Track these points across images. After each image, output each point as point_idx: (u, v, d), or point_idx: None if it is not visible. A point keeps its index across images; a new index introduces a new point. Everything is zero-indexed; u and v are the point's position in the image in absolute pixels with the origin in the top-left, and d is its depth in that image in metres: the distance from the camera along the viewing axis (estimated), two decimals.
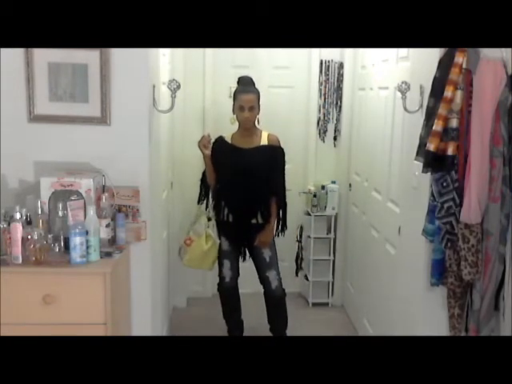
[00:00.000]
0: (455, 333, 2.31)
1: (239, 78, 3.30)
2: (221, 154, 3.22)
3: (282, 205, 3.30)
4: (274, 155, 3.25)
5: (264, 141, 3.25)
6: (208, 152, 3.18)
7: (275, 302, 3.36)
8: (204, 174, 3.34)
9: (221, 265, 3.38)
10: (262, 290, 3.37)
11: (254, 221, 3.25)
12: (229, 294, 3.45)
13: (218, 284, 3.46)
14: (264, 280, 3.32)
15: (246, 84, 3.25)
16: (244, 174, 3.16)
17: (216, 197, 3.32)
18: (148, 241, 2.57)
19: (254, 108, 3.18)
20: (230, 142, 3.27)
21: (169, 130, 3.69)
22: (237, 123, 3.26)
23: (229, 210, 3.25)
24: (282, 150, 3.28)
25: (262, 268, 3.31)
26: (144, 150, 2.54)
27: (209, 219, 3.36)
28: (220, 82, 4.09)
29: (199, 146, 3.19)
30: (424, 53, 2.44)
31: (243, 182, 3.17)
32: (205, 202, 3.40)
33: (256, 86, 3.29)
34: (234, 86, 3.34)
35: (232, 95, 3.28)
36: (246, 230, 3.27)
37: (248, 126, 3.22)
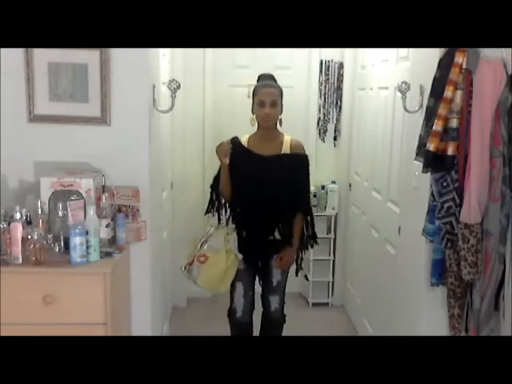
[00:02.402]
0: (455, 333, 2.31)
1: (259, 76, 2.98)
2: (236, 160, 2.81)
3: (310, 217, 3.02)
4: (299, 165, 2.88)
5: (286, 147, 2.86)
6: (227, 160, 2.78)
7: (271, 324, 3.02)
8: (215, 180, 2.96)
9: (232, 289, 2.94)
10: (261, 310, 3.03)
11: (271, 237, 2.89)
12: (241, 331, 3.00)
13: (228, 316, 3.01)
14: (265, 302, 2.99)
15: (266, 79, 2.92)
16: (262, 185, 2.80)
17: (233, 208, 2.94)
18: (148, 241, 2.57)
19: (277, 104, 2.81)
20: (246, 145, 2.89)
21: (169, 130, 3.69)
22: (256, 125, 2.89)
23: (243, 224, 2.89)
24: (307, 157, 2.92)
25: (266, 291, 2.97)
26: (144, 150, 2.54)
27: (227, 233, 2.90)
28: (220, 82, 4.09)
29: (218, 154, 2.80)
30: (424, 53, 2.44)
31: (260, 194, 2.80)
32: (214, 213, 2.99)
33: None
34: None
35: (251, 94, 2.92)
36: (261, 247, 2.90)
37: (269, 125, 2.83)
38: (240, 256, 2.83)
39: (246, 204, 2.86)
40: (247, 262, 2.90)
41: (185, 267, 2.86)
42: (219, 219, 2.96)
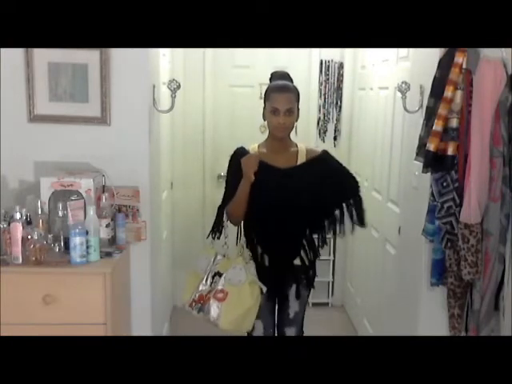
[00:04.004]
0: (455, 333, 2.31)
1: (272, 74, 2.51)
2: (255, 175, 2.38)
3: (357, 200, 2.50)
4: (323, 166, 2.45)
5: (302, 157, 2.44)
6: (253, 177, 2.33)
7: None
8: (225, 200, 2.48)
9: (254, 327, 2.46)
10: None
11: (297, 262, 2.50)
12: None
13: None
14: (280, 335, 2.58)
15: (281, 79, 2.45)
16: (285, 203, 2.37)
17: (248, 233, 2.49)
18: (148, 241, 2.57)
19: (292, 112, 2.35)
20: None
21: (169, 130, 3.69)
22: (267, 132, 2.47)
23: (265, 249, 2.46)
24: (325, 152, 2.51)
25: (281, 324, 2.56)
26: (144, 150, 2.54)
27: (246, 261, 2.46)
28: (220, 82, 4.09)
29: (245, 168, 2.33)
30: (424, 53, 2.44)
31: (283, 213, 2.38)
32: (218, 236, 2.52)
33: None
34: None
35: (263, 95, 2.47)
36: (285, 274, 2.49)
37: (282, 136, 2.40)
38: (264, 288, 2.40)
39: (268, 224, 2.42)
40: (268, 294, 2.45)
41: (191, 305, 2.40)
42: (217, 237, 2.50)
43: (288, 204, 2.37)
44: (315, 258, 2.55)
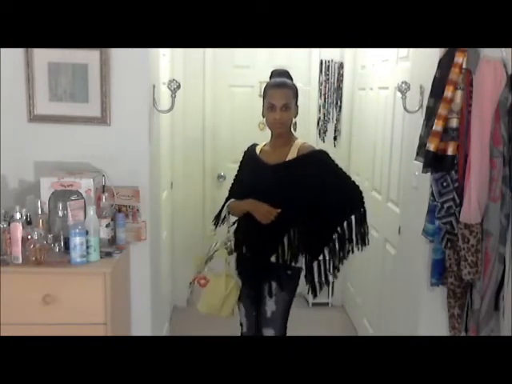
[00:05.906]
0: (455, 333, 2.31)
1: (272, 72, 2.55)
2: (245, 168, 2.60)
3: (361, 212, 2.47)
4: (314, 164, 2.42)
5: (293, 153, 2.44)
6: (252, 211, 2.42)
7: None
8: (230, 192, 2.64)
9: (239, 308, 2.64)
10: None
11: (273, 259, 2.46)
12: None
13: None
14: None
15: (279, 76, 2.49)
16: (267, 198, 2.38)
17: (236, 224, 2.60)
18: (148, 241, 2.57)
19: (289, 107, 2.40)
20: (258, 153, 2.56)
21: (169, 130, 3.69)
22: (268, 130, 2.51)
23: (242, 241, 2.54)
24: (320, 152, 2.50)
25: (260, 322, 2.57)
26: (144, 150, 2.54)
27: (230, 253, 2.54)
28: (220, 82, 4.09)
29: (258, 210, 2.39)
30: (424, 53, 2.44)
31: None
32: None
33: (294, 81, 2.53)
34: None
35: (262, 93, 2.51)
36: (257, 269, 2.49)
37: (280, 132, 2.44)
38: (240, 282, 2.51)
39: (245, 218, 2.48)
40: (245, 284, 2.54)
41: (190, 283, 2.57)
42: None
43: (269, 199, 2.37)
44: (292, 260, 2.44)
